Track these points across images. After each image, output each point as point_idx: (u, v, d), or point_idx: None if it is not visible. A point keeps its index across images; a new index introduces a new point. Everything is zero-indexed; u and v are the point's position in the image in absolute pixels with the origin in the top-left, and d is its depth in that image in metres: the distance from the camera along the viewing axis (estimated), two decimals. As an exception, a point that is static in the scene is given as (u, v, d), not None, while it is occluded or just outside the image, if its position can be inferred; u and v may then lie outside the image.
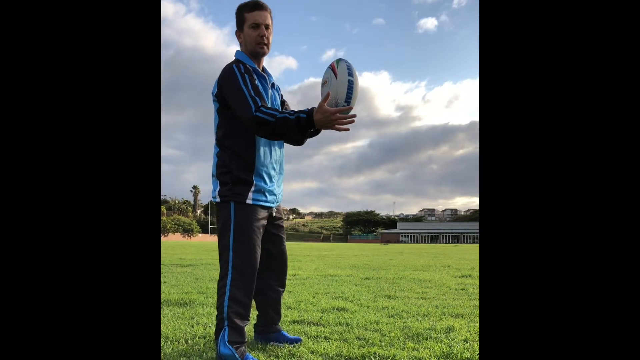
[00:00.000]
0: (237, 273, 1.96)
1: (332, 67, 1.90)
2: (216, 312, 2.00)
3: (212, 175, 2.10)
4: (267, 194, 2.06)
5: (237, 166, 2.00)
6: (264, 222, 2.09)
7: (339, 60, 1.91)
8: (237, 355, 1.92)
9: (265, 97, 1.99)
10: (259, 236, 2.04)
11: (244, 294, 1.98)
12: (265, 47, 2.05)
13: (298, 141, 2.14)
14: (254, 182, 2.01)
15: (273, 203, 2.13)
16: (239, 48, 2.13)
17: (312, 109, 1.88)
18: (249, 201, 2.00)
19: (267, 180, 2.06)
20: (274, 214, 2.18)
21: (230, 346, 1.93)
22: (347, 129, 1.88)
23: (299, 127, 1.86)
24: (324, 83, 1.93)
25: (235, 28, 2.11)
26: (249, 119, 1.87)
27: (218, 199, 2.04)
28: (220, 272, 2.02)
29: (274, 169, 2.11)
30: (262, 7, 2.03)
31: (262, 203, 2.04)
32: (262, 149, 2.03)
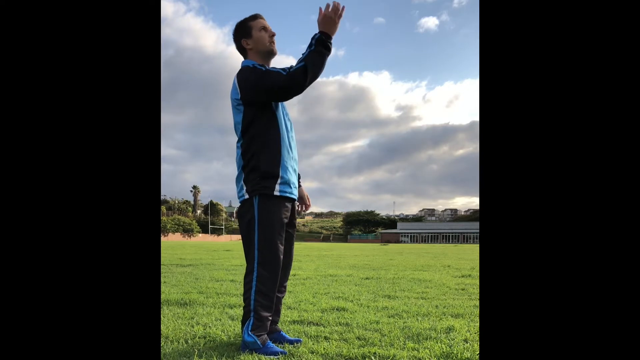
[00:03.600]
0: (262, 269, 2.14)
1: None
2: (243, 304, 2.19)
3: (238, 177, 2.25)
4: (291, 185, 2.23)
5: (263, 162, 2.15)
6: (287, 214, 2.24)
7: None
8: (259, 342, 2.12)
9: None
10: (282, 232, 2.20)
11: (269, 287, 2.15)
12: (275, 45, 2.28)
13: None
14: (280, 174, 2.17)
15: (296, 195, 2.30)
16: (243, 59, 2.31)
17: (315, 33, 2.11)
18: (276, 193, 2.15)
19: (291, 172, 2.24)
20: (295, 213, 2.37)
21: (253, 335, 2.12)
22: (342, 11, 2.12)
23: (324, 46, 2.08)
24: None
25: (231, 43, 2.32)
26: (288, 79, 2.05)
27: (246, 196, 2.18)
28: (247, 268, 2.20)
29: (293, 161, 2.29)
30: (262, 16, 2.29)
31: (287, 194, 2.20)
32: (285, 144, 2.21)
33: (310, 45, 2.10)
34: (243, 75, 2.16)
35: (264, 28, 2.25)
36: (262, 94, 2.12)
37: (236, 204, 2.34)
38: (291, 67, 2.10)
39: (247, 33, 2.25)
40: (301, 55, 2.10)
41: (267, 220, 2.14)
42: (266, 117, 2.17)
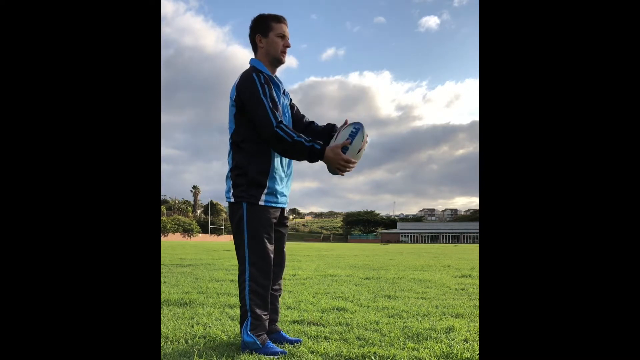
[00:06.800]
0: (254, 269, 2.15)
1: (363, 128, 2.15)
2: (240, 304, 2.20)
3: (227, 177, 2.24)
4: (278, 195, 2.23)
5: (252, 169, 2.15)
6: (276, 215, 2.25)
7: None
8: (258, 342, 2.13)
9: (280, 108, 2.19)
10: (271, 232, 2.21)
11: (262, 286, 2.17)
12: (285, 57, 2.27)
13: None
14: (267, 184, 2.18)
15: (284, 204, 2.30)
16: (252, 56, 2.30)
17: (325, 145, 2.09)
18: (261, 203, 2.16)
19: (279, 182, 2.22)
20: (285, 214, 2.36)
21: (252, 334, 2.13)
22: (342, 174, 2.15)
23: (310, 155, 2.07)
24: (346, 127, 2.16)
25: (250, 31, 2.27)
26: (270, 133, 2.05)
27: (232, 200, 2.18)
28: (239, 268, 2.20)
29: (284, 172, 2.28)
30: (286, 22, 2.26)
31: (273, 204, 2.21)
32: (276, 153, 2.19)
33: (312, 142, 2.06)
34: (244, 83, 2.13)
35: (283, 36, 2.21)
36: (247, 113, 2.12)
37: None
38: (282, 122, 2.06)
39: (264, 31, 2.21)
40: (302, 136, 2.06)
41: (255, 222, 2.15)
42: None
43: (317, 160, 2.10)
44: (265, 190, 2.16)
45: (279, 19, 2.22)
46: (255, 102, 2.08)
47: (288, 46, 2.25)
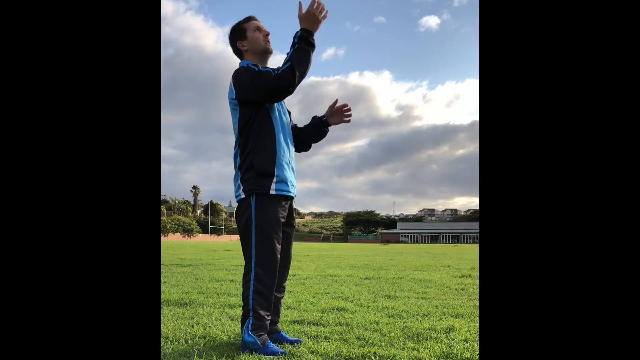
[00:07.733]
0: (260, 269, 2.14)
1: None
2: (242, 304, 2.19)
3: (235, 177, 2.26)
4: (288, 183, 2.23)
5: (258, 161, 2.16)
6: (284, 213, 2.24)
7: None
8: (259, 342, 2.12)
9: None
10: (280, 232, 2.20)
11: (267, 287, 2.16)
12: (270, 44, 2.30)
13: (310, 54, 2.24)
14: (276, 172, 2.18)
15: (294, 194, 2.30)
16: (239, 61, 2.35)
17: (297, 31, 2.13)
18: (272, 192, 2.15)
19: (287, 170, 2.23)
20: (293, 205, 2.36)
21: (253, 334, 2.12)
22: (326, 13, 2.16)
23: (307, 43, 2.09)
24: None
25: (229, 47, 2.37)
26: (277, 79, 2.07)
27: (242, 196, 2.19)
28: (245, 267, 2.20)
29: (288, 163, 2.29)
30: (255, 18, 2.33)
31: (284, 193, 2.20)
32: (281, 143, 2.22)
33: (293, 44, 2.11)
34: (237, 75, 2.18)
35: (258, 28, 2.28)
36: (255, 95, 2.14)
37: (236, 204, 2.34)
38: (279, 67, 2.12)
39: (241, 35, 2.29)
40: (286, 55, 2.12)
41: (264, 219, 2.14)
42: (262, 116, 2.19)
43: (312, 37, 2.10)
44: (275, 179, 2.16)
45: (249, 19, 2.31)
46: (251, 74, 2.12)
47: (268, 34, 2.30)
